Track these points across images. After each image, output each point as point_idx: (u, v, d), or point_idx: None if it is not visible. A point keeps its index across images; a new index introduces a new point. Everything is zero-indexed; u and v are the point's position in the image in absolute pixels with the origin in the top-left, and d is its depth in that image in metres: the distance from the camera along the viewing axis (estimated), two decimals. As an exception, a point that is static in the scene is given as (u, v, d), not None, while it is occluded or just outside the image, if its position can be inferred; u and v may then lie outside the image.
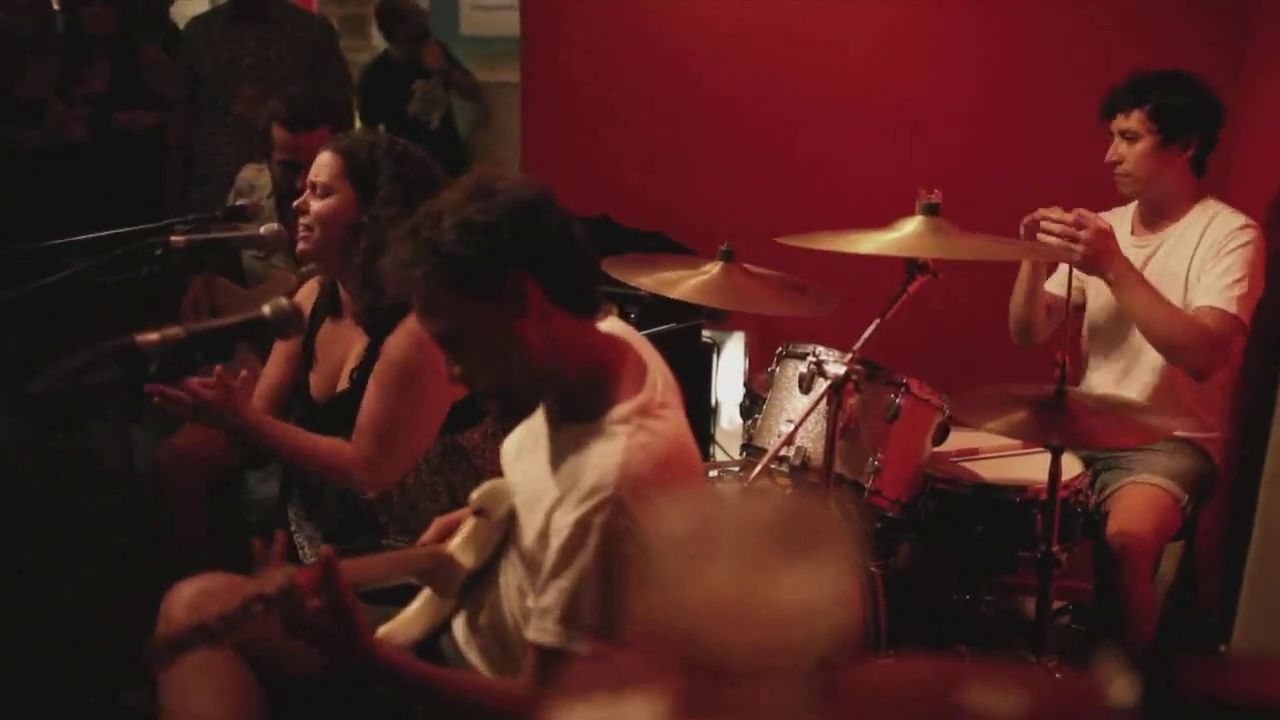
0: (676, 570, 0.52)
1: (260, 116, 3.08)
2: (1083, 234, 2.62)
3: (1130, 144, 2.79)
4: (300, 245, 2.33)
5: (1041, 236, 2.67)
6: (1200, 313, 2.71)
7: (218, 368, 2.15)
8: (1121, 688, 0.62)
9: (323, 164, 2.29)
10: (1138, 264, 2.83)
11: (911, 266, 2.34)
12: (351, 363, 2.34)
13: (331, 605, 1.53)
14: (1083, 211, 2.66)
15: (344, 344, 2.39)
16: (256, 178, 3.34)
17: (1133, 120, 2.77)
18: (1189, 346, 2.68)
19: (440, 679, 1.69)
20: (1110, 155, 2.83)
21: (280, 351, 2.53)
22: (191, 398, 2.10)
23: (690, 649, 0.52)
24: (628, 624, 1.51)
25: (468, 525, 1.84)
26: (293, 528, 2.45)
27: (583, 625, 1.55)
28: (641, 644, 0.55)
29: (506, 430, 1.92)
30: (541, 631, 1.59)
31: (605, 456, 1.58)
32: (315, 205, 2.29)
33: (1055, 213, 2.66)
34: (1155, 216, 2.90)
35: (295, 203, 2.34)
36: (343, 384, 2.36)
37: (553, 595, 1.58)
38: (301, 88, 3.21)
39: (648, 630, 0.53)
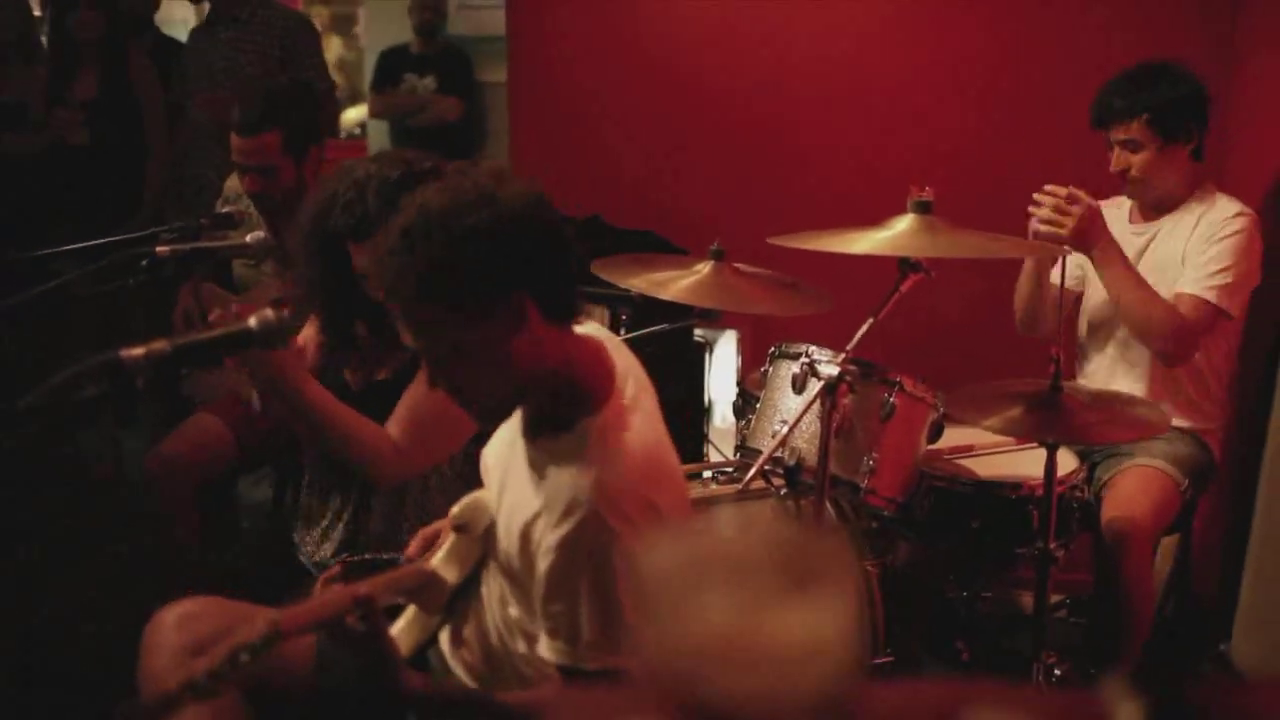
0: (668, 609, 0.50)
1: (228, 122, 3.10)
2: (1075, 208, 2.61)
3: (1134, 152, 2.77)
4: None
5: (1034, 217, 2.65)
6: (1179, 299, 2.71)
7: (298, 343, 2.03)
8: (1128, 712, 0.61)
9: None
10: (1136, 250, 2.83)
11: (904, 265, 2.33)
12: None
13: (374, 633, 1.55)
14: (1075, 190, 2.65)
15: None
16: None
17: (1133, 130, 2.74)
18: (1159, 331, 2.69)
19: (475, 700, 1.70)
20: (1115, 166, 2.80)
21: (308, 329, 2.43)
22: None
23: (686, 693, 0.50)
24: (629, 646, 1.49)
25: (449, 541, 1.83)
26: (292, 531, 2.42)
27: (588, 643, 1.53)
28: (638, 681, 0.54)
29: (484, 434, 1.87)
30: (553, 650, 1.57)
31: (578, 471, 1.54)
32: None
33: (1050, 188, 2.65)
34: (1154, 208, 2.89)
35: None
36: (383, 373, 2.31)
37: (552, 620, 1.56)
38: (260, 90, 3.20)
39: (643, 670, 0.51)
